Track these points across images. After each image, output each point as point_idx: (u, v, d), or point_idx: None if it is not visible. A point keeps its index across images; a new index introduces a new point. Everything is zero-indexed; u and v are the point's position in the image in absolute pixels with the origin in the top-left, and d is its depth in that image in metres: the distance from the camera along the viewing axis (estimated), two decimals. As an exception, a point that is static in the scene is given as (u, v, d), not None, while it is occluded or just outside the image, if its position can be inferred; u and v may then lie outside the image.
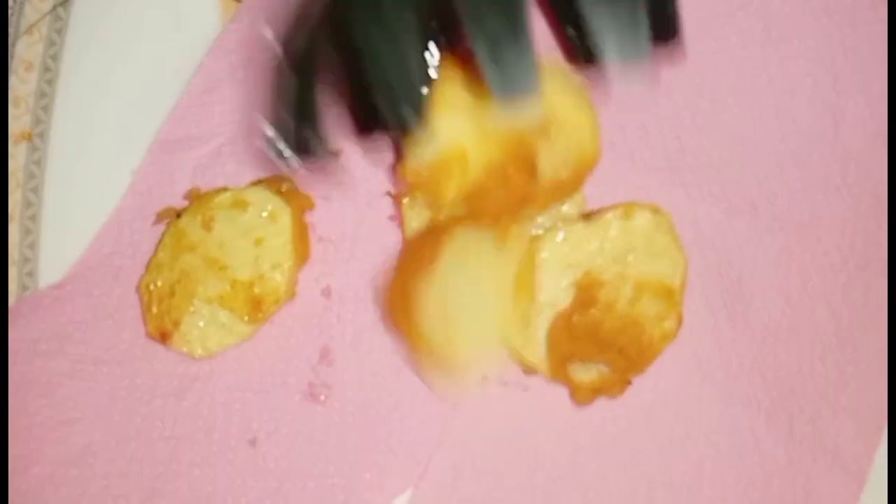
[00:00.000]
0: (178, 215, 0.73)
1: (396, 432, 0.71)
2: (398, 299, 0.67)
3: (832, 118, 0.75)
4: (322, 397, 0.72)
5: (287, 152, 0.64)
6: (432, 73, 0.63)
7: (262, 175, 0.76)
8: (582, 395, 0.68)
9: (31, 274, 0.74)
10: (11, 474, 0.68)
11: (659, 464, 0.71)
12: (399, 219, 0.74)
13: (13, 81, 0.75)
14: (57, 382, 0.71)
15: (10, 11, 0.75)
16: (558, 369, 0.67)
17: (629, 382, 0.69)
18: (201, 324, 0.70)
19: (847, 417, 0.72)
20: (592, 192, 0.73)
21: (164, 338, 0.70)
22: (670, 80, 0.77)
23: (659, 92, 0.77)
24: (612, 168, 0.75)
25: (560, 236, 0.68)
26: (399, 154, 0.70)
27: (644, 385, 0.71)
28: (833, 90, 0.75)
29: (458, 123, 0.66)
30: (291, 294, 0.73)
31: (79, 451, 0.70)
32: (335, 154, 0.73)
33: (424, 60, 0.63)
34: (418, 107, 0.62)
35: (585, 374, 0.68)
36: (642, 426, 0.71)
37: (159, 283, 0.72)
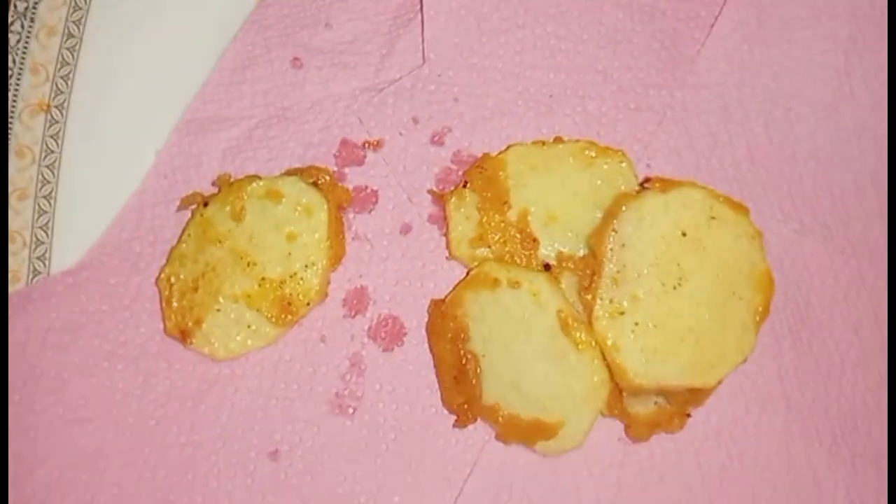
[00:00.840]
0: (206, 203, 0.68)
1: (430, 452, 0.66)
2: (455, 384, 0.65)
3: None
4: (351, 410, 0.67)
5: None
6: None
7: (296, 164, 0.71)
8: (638, 430, 0.63)
9: (43, 258, 0.69)
10: (14, 476, 0.64)
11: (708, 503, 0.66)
12: (443, 219, 0.69)
13: (33, 47, 0.70)
14: (67, 378, 0.67)
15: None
16: (613, 402, 0.62)
17: (689, 416, 0.64)
18: (225, 323, 0.66)
19: (914, 460, 0.68)
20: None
21: (184, 336, 0.66)
22: (741, 85, 0.71)
23: (729, 97, 0.71)
24: (675, 176, 0.70)
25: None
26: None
27: (697, 418, 0.67)
28: (923, 107, 0.70)
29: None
30: (323, 295, 0.68)
31: (89, 453, 0.66)
32: (377, 144, 0.68)
33: None
34: None
35: (642, 406, 0.63)
36: (692, 462, 0.67)
37: (182, 276, 0.67)
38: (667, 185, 0.62)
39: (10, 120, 0.68)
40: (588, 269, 0.62)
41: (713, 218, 0.62)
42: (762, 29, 0.72)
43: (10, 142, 0.68)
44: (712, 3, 0.72)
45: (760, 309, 0.62)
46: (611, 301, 0.60)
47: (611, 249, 0.61)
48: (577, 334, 0.61)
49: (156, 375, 0.67)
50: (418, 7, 0.73)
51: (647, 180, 0.65)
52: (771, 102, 0.72)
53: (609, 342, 0.60)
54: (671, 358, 0.60)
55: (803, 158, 0.71)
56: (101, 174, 0.71)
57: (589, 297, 0.61)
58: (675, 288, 0.61)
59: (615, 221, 0.61)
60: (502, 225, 0.68)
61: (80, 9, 0.71)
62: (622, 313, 0.60)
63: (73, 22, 0.71)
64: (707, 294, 0.61)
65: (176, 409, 0.67)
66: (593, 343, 0.60)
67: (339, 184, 0.69)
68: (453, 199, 0.68)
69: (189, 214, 0.69)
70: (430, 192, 0.71)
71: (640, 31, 0.72)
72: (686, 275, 0.61)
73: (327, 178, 0.69)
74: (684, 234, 0.61)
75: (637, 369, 0.60)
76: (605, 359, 0.61)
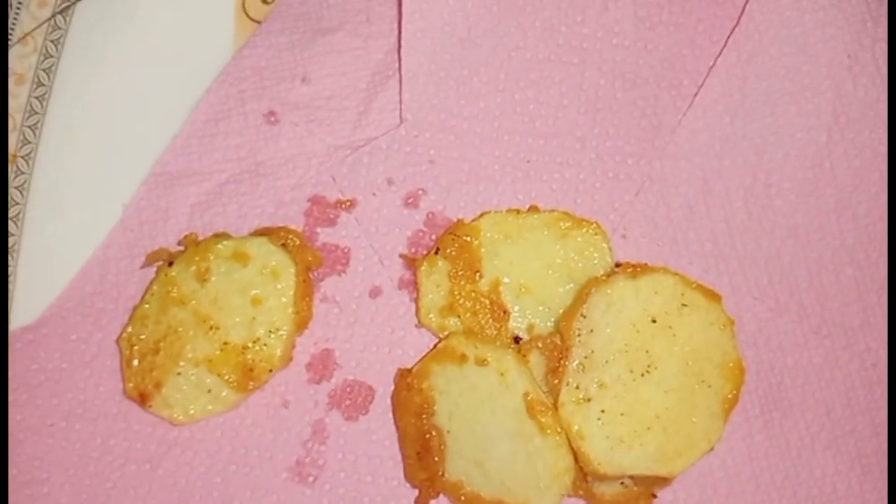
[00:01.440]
0: (170, 262, 0.67)
1: (392, 525, 0.66)
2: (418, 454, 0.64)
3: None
4: (311, 478, 0.66)
5: None
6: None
7: (267, 222, 0.70)
8: (603, 511, 0.62)
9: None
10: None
11: (672, 586, 0.66)
12: (414, 284, 0.69)
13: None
14: (23, 437, 0.66)
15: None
16: (578, 482, 0.61)
17: (654, 496, 0.64)
18: (185, 388, 0.65)
19: (882, 546, 0.67)
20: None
21: (143, 399, 0.65)
22: (721, 157, 0.71)
23: (709, 169, 0.71)
24: (651, 249, 0.70)
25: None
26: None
27: (664, 497, 0.66)
28: (904, 189, 0.70)
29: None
30: (287, 360, 0.67)
31: (41, 516, 0.65)
32: (349, 204, 0.67)
33: None
34: None
35: (607, 487, 0.62)
36: (659, 543, 0.66)
37: (143, 338, 0.66)
38: (638, 269, 0.62)
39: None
40: (556, 351, 0.61)
41: (684, 305, 0.61)
42: (745, 101, 0.71)
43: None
44: (695, 73, 0.72)
45: (730, 397, 0.62)
46: (577, 387, 0.60)
47: (579, 334, 0.60)
48: (543, 419, 0.60)
49: (114, 437, 0.66)
50: (397, 66, 0.72)
51: (618, 265, 0.64)
52: (751, 177, 0.71)
53: (574, 429, 0.59)
54: (637, 446, 0.60)
55: (782, 235, 0.71)
56: (66, 227, 0.70)
57: (556, 381, 0.60)
58: (643, 375, 0.60)
59: (584, 306, 0.60)
60: (473, 294, 0.67)
61: (51, 56, 0.70)
62: (588, 400, 0.60)
63: (43, 70, 0.70)
64: (676, 382, 0.61)
65: (133, 472, 0.66)
66: (559, 428, 0.60)
67: (309, 246, 0.68)
68: (424, 266, 0.68)
69: (154, 271, 0.68)
70: (401, 256, 0.70)
71: (620, 99, 0.72)
72: (655, 362, 0.61)
73: (297, 240, 0.68)
74: (654, 321, 0.61)
75: (602, 458, 0.59)
76: (570, 444, 0.60)
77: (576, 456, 0.60)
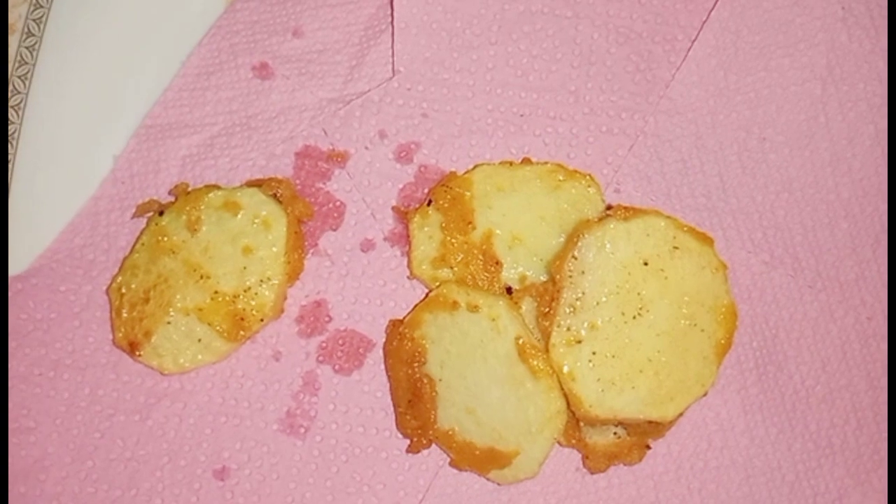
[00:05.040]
0: (161, 212, 0.70)
1: (381, 475, 0.68)
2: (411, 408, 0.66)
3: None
4: (302, 429, 0.68)
5: None
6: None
7: (258, 175, 0.73)
8: (596, 461, 0.65)
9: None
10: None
11: (665, 537, 0.68)
12: (406, 237, 0.71)
13: (-10, 45, 0.71)
14: (11, 387, 0.68)
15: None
16: (571, 431, 0.64)
17: (648, 447, 0.66)
18: (175, 337, 0.67)
19: (878, 501, 0.69)
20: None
21: (132, 348, 0.67)
22: (715, 112, 0.73)
23: (703, 124, 0.74)
24: (644, 203, 0.72)
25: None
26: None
27: (657, 449, 0.69)
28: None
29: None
30: (279, 311, 0.70)
31: (30, 465, 0.67)
32: (341, 157, 0.70)
33: None
34: None
35: (600, 437, 0.65)
36: (651, 495, 0.68)
37: (133, 287, 0.68)
38: (630, 212, 0.64)
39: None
40: (548, 295, 0.64)
41: (676, 248, 0.64)
42: (739, 55, 0.74)
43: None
44: (689, 27, 0.75)
45: (723, 342, 0.64)
46: (568, 329, 0.62)
47: (570, 276, 0.63)
48: (535, 362, 0.62)
49: (102, 387, 0.69)
50: (389, 19, 0.75)
51: (609, 207, 0.67)
52: (745, 131, 0.74)
53: (565, 370, 0.62)
54: (628, 389, 0.62)
55: (776, 189, 0.73)
56: (56, 178, 0.72)
57: (547, 323, 0.62)
58: (634, 318, 0.63)
59: (576, 248, 0.63)
60: (465, 246, 0.69)
61: (42, 7, 0.72)
62: (579, 342, 0.62)
63: (34, 20, 0.72)
64: (667, 325, 0.63)
65: (122, 423, 0.68)
66: (550, 371, 0.62)
67: (300, 197, 0.71)
68: (417, 218, 0.70)
69: (144, 223, 0.71)
70: (394, 209, 0.72)
71: (614, 53, 0.74)
72: (646, 304, 0.63)
73: (288, 191, 0.70)
74: (646, 264, 0.63)
75: (593, 400, 0.62)
76: (562, 388, 0.63)
77: (568, 400, 0.62)
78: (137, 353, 0.67)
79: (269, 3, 0.76)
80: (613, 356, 0.62)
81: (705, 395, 0.65)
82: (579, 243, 0.63)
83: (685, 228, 0.64)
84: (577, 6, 0.74)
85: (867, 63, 0.73)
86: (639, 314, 0.63)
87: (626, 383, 0.62)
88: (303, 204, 0.71)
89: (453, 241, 0.69)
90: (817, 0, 0.72)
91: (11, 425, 0.67)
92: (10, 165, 0.71)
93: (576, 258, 0.63)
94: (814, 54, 0.73)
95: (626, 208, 0.65)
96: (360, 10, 0.76)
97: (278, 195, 0.70)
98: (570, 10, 0.74)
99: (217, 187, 0.70)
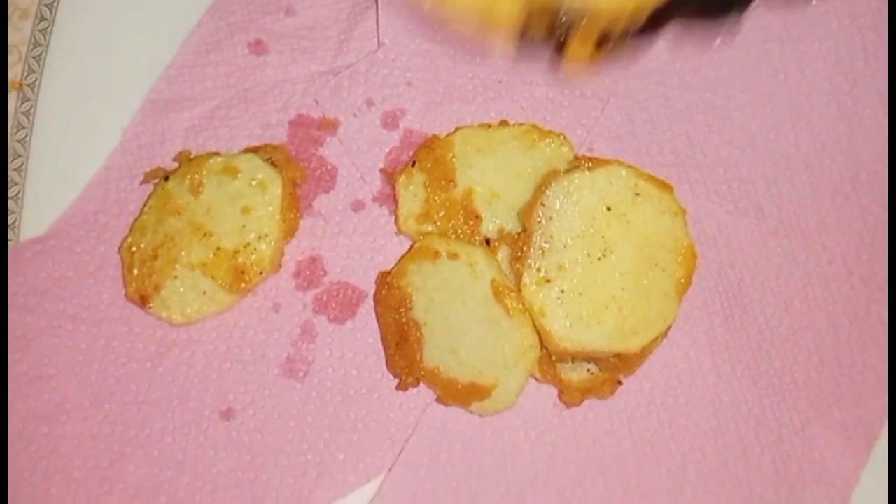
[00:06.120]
0: (166, 177, 0.77)
1: (374, 413, 0.75)
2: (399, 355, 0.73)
3: (847, 124, 0.78)
4: (301, 373, 0.75)
5: None
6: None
7: (255, 143, 0.80)
8: (570, 395, 0.71)
9: (13, 226, 0.77)
10: (-20, 428, 0.72)
11: (639, 467, 0.74)
12: (393, 197, 0.78)
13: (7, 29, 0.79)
14: (32, 338, 0.75)
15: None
16: (546, 368, 0.70)
17: (620, 383, 0.73)
18: (182, 290, 0.74)
19: (837, 432, 0.75)
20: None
21: (143, 301, 0.74)
22: (682, 74, 0.80)
23: (670, 85, 0.80)
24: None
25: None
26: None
27: (630, 386, 0.75)
28: (850, 96, 0.78)
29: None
30: (277, 266, 0.76)
31: (51, 408, 0.74)
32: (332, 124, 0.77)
33: None
34: None
35: (574, 373, 0.71)
36: (625, 428, 0.75)
37: (142, 245, 0.75)
38: (594, 162, 0.71)
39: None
40: (520, 241, 0.70)
41: (638, 194, 0.70)
42: (703, 20, 0.80)
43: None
44: (656, -4, 0.81)
45: (682, 281, 0.70)
46: (538, 270, 0.69)
47: (539, 222, 0.69)
48: (508, 302, 0.69)
49: (117, 338, 0.76)
50: (375, -5, 0.82)
51: (576, 159, 0.73)
52: (710, 91, 0.80)
53: (536, 307, 0.68)
54: (595, 324, 0.68)
55: (740, 144, 0.79)
56: (69, 149, 0.79)
57: (518, 266, 0.69)
58: (599, 259, 0.69)
59: (544, 195, 0.69)
60: (447, 203, 0.76)
61: (53, -5, 0.80)
62: (549, 281, 0.69)
63: (46, 6, 0.80)
64: (630, 265, 0.69)
65: (135, 370, 0.75)
66: (523, 309, 0.69)
67: (294, 161, 0.78)
68: (402, 178, 0.77)
69: (151, 188, 0.78)
70: (381, 171, 0.79)
71: (585, 21, 0.81)
72: (610, 247, 0.69)
73: (282, 155, 0.77)
74: (609, 209, 0.70)
75: (562, 333, 0.68)
76: (534, 325, 0.69)
77: (540, 336, 0.69)
78: (148, 305, 0.74)
79: (266, -14, 0.83)
80: (580, 294, 0.68)
81: (668, 329, 0.71)
82: (547, 192, 0.69)
83: (646, 176, 0.71)
84: (547, -24, 0.81)
85: (822, 23, 0.79)
86: (603, 255, 0.69)
87: (593, 319, 0.68)
88: (296, 167, 0.78)
89: (436, 198, 0.76)
90: (774, -37, 0.78)
91: (34, 372, 0.74)
92: (28, 138, 0.78)
93: (544, 205, 0.69)
94: (771, 16, 0.79)
95: (590, 159, 0.71)
96: (348, -13, 0.83)
97: (274, 160, 0.77)
98: (542, -20, 0.81)
99: (217, 154, 0.77)
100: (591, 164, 0.70)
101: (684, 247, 0.70)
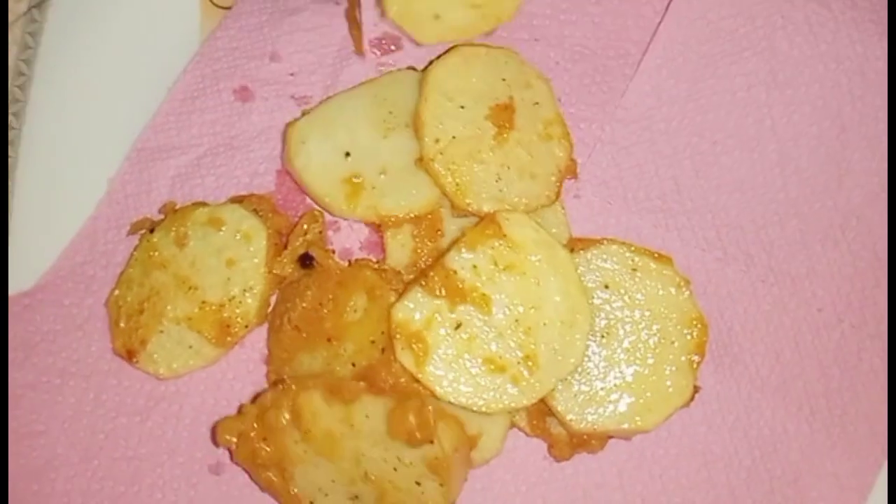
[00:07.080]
0: (152, 229, 0.78)
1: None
2: None
3: (836, 169, 0.79)
4: (288, 426, 0.76)
5: None
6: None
7: (243, 191, 0.80)
8: (561, 450, 0.72)
9: None
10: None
11: (629, 520, 0.75)
12: (381, 246, 0.79)
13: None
14: (21, 394, 0.76)
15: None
16: (536, 422, 0.71)
17: (609, 437, 0.73)
18: (168, 345, 0.75)
19: (831, 483, 0.76)
20: (582, 229, 0.78)
21: (130, 356, 0.75)
22: (670, 119, 0.80)
23: (657, 130, 0.80)
24: (603, 207, 0.79)
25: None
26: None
27: (618, 439, 0.75)
28: (838, 140, 0.78)
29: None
30: (263, 318, 0.77)
31: (41, 465, 0.75)
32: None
33: None
34: None
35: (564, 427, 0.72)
36: (615, 481, 0.75)
37: (129, 299, 0.76)
38: (586, 243, 0.73)
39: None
40: None
41: (635, 270, 0.72)
42: (688, 65, 0.80)
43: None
44: (641, 42, 0.81)
45: (695, 352, 0.73)
46: None
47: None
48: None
49: (105, 391, 0.77)
50: (360, 41, 0.83)
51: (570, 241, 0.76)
52: (697, 135, 0.80)
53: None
54: (606, 404, 0.71)
55: (728, 189, 0.80)
56: (55, 200, 0.80)
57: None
58: (603, 337, 0.72)
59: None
60: (435, 252, 0.76)
61: (30, 48, 0.81)
62: None
63: (23, 60, 0.81)
64: (636, 342, 0.72)
65: (124, 424, 0.76)
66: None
67: (279, 211, 0.79)
68: (389, 232, 0.77)
69: (138, 239, 0.79)
70: (368, 223, 0.80)
71: (570, 70, 0.81)
72: (612, 325, 0.72)
73: (267, 206, 0.78)
74: (607, 287, 0.72)
75: (576, 418, 0.71)
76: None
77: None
78: (135, 360, 0.75)
79: (247, 30, 0.84)
80: (586, 375, 0.71)
81: (689, 402, 0.72)
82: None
83: (641, 251, 0.73)
84: (533, 30, 0.81)
85: (808, 68, 0.79)
86: (607, 334, 0.71)
87: (604, 400, 0.71)
88: (282, 218, 0.78)
89: (423, 248, 0.77)
90: (758, 10, 0.79)
91: (23, 430, 0.75)
92: (10, 190, 0.79)
93: None
94: (758, 61, 0.79)
95: (580, 240, 0.74)
96: (333, 33, 0.84)
97: (258, 210, 0.78)
98: (527, 33, 0.81)
99: (203, 204, 0.78)
100: (583, 244, 0.72)
101: (693, 318, 0.71)
